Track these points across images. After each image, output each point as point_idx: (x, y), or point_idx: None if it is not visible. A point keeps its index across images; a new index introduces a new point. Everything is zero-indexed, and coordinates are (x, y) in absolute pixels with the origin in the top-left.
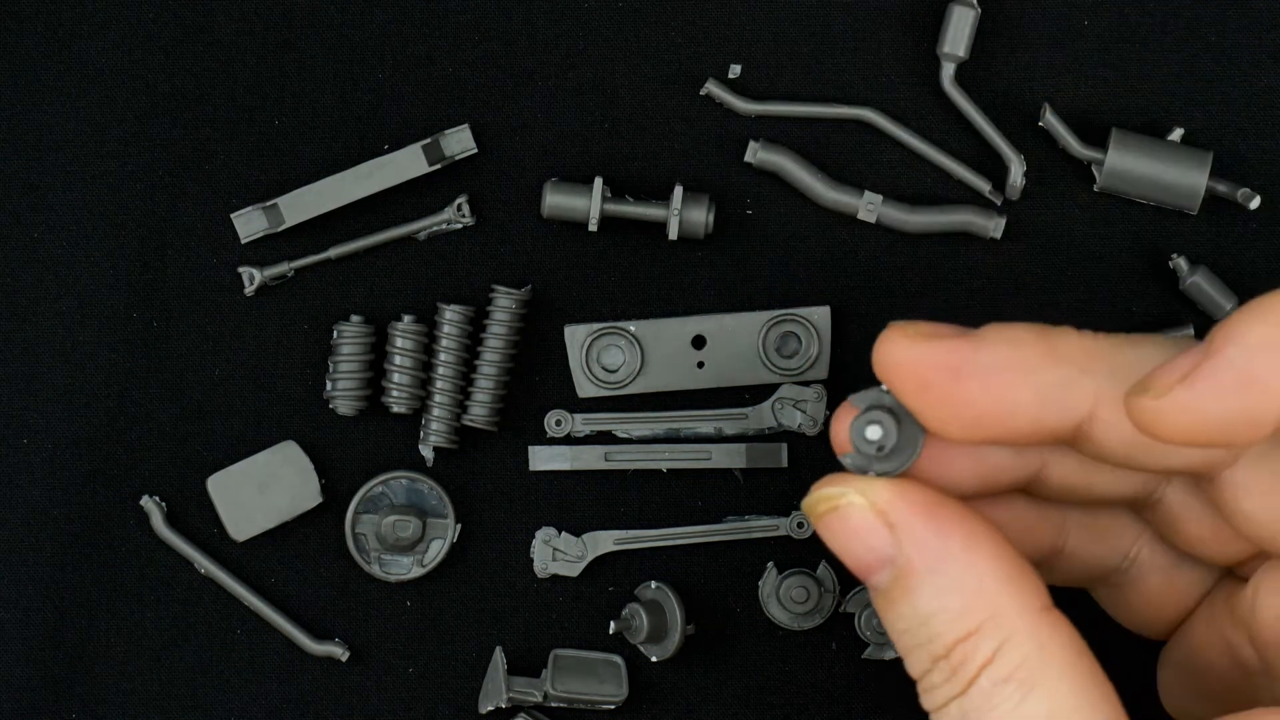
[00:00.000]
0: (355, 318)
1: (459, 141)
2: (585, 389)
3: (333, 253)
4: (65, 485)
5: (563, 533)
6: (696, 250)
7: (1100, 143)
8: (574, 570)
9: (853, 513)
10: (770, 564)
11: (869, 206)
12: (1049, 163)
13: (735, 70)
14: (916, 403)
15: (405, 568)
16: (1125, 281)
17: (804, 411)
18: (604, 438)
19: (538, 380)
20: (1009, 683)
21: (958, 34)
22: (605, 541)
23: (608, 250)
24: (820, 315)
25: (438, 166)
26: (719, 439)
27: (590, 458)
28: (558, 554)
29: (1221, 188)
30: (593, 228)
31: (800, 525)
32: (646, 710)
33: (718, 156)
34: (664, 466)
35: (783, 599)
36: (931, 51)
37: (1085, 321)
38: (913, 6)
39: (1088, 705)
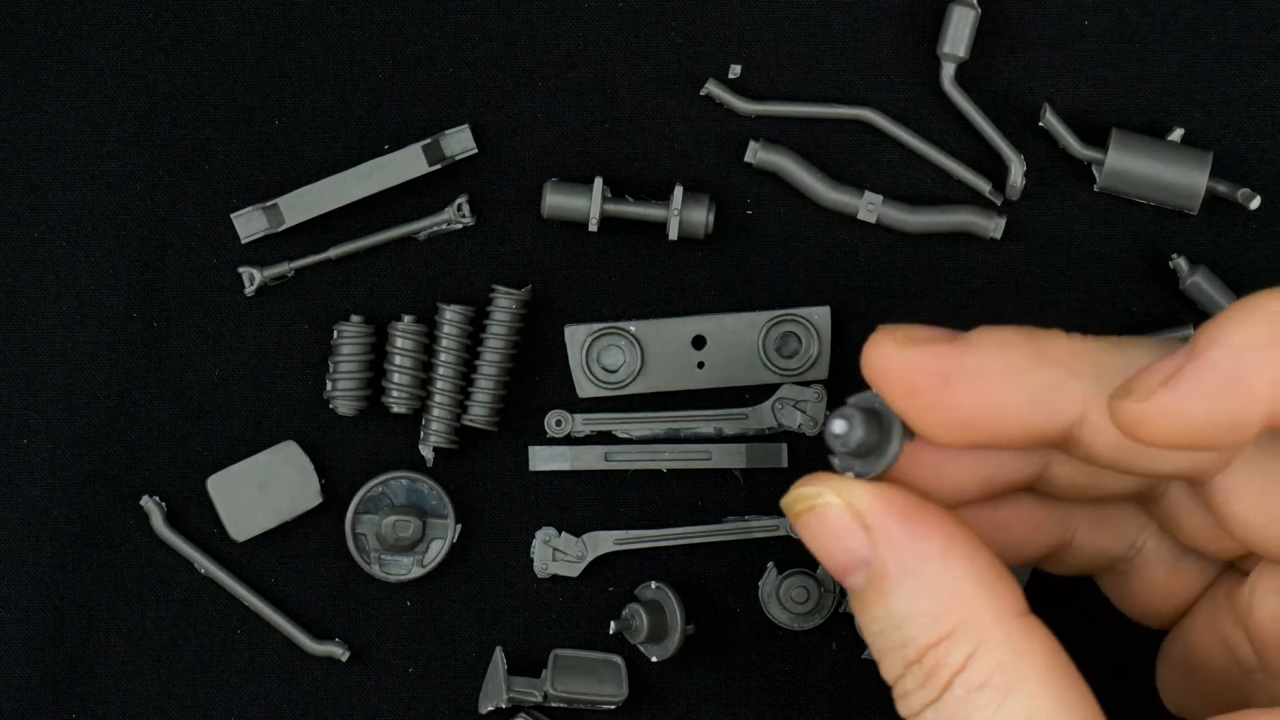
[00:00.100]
0: (355, 318)
1: (459, 141)
2: (585, 389)
3: (333, 253)
4: (65, 485)
5: (563, 533)
6: (696, 250)
7: (1100, 143)
8: (574, 570)
9: (829, 513)
10: (770, 564)
11: (869, 206)
12: (1049, 163)
13: (735, 70)
14: (905, 407)
15: (405, 568)
16: (1125, 281)
17: (804, 412)
18: (604, 438)
19: (538, 380)
20: (984, 689)
21: (958, 34)
22: (605, 541)
23: (608, 250)
24: (820, 315)
25: (438, 166)
26: (719, 439)
27: (590, 458)
28: (558, 554)
29: (1221, 188)
30: (593, 228)
31: None
32: (646, 710)
33: (718, 156)
34: (664, 466)
35: (783, 599)
36: (931, 51)
37: (1085, 321)
38: (913, 6)
39: (1065, 710)
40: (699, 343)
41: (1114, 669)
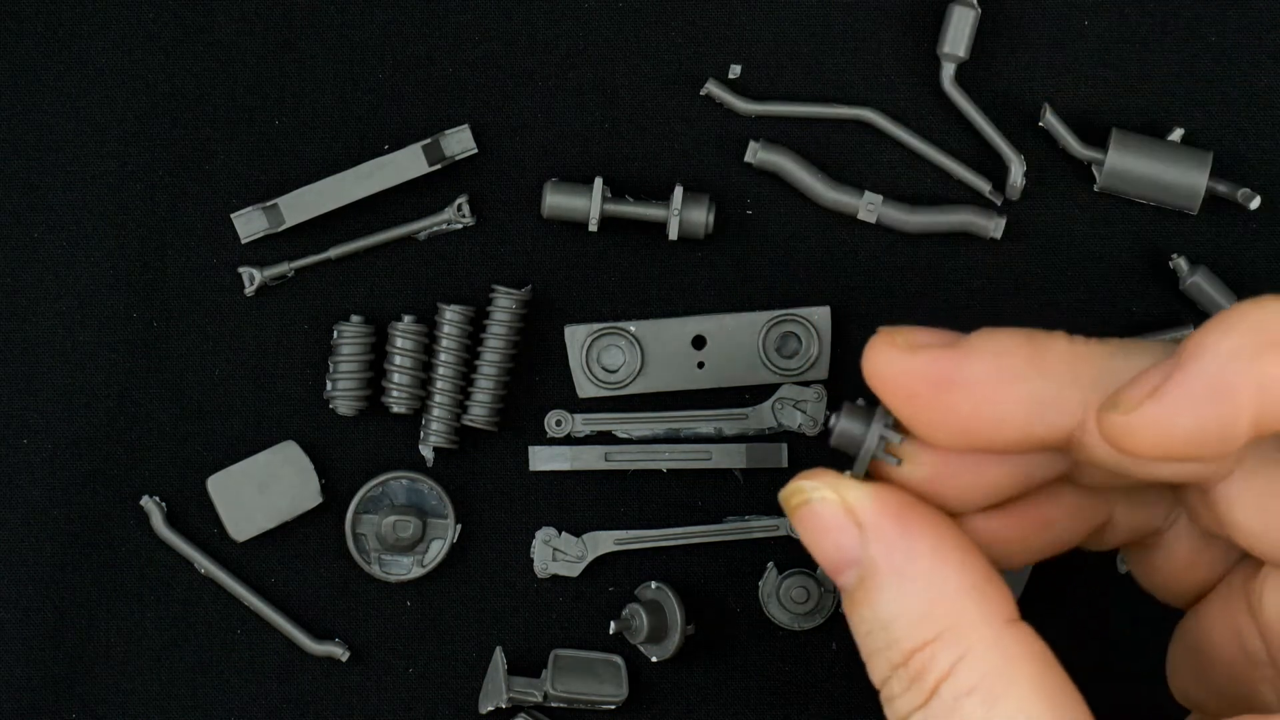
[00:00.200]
0: (355, 318)
1: (459, 141)
2: (585, 389)
3: (333, 253)
4: (65, 485)
5: (563, 533)
6: (696, 250)
7: (1100, 143)
8: (574, 570)
9: (823, 509)
10: (770, 564)
11: (869, 206)
12: (1049, 163)
13: (735, 70)
14: (904, 412)
15: (405, 568)
16: (1125, 281)
17: (804, 412)
18: (604, 438)
19: (538, 380)
20: (972, 695)
21: (958, 34)
22: (605, 541)
23: (608, 250)
24: (820, 315)
25: (438, 166)
26: (719, 439)
27: (590, 458)
28: (558, 554)
29: (1221, 188)
30: (593, 228)
31: None
32: (646, 710)
33: (718, 156)
34: (664, 466)
35: (783, 599)
36: (931, 51)
37: (1085, 321)
38: (913, 6)
39: (1056, 718)
40: (699, 343)
41: (1109, 676)
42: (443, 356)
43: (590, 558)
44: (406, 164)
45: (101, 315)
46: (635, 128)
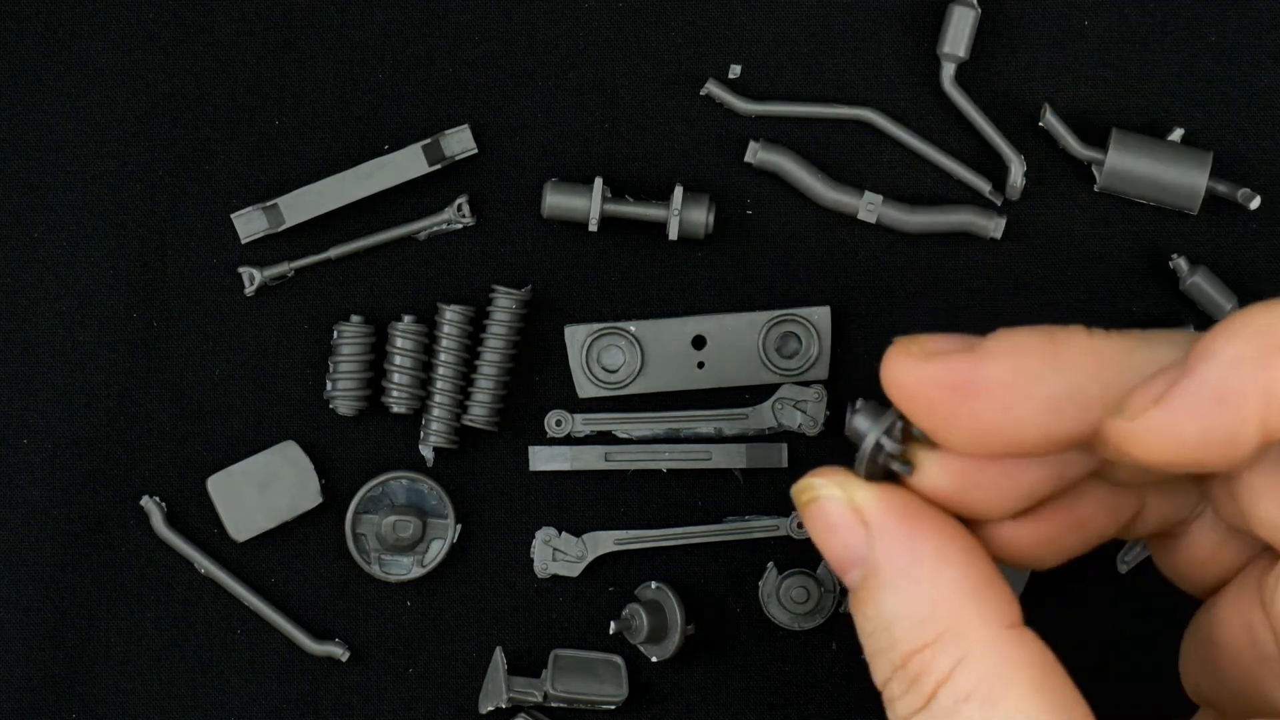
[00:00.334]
0: (355, 318)
1: (459, 141)
2: (585, 389)
3: (333, 253)
4: (65, 485)
5: (563, 533)
6: (696, 250)
7: (1100, 143)
8: (574, 570)
9: (830, 506)
10: (770, 564)
11: (869, 206)
12: (1049, 163)
13: (735, 70)
14: (925, 421)
15: (405, 568)
16: (1125, 281)
17: (804, 412)
18: (604, 438)
19: (538, 380)
20: (970, 700)
21: (958, 34)
22: (605, 541)
23: (608, 250)
24: (820, 315)
25: (438, 166)
26: (719, 439)
27: (590, 458)
28: (558, 554)
29: (1221, 188)
30: (593, 228)
31: (800, 525)
32: (646, 710)
33: (718, 156)
34: (664, 466)
35: (783, 599)
36: (931, 51)
37: (1085, 322)
38: (913, 6)
39: None
40: (699, 343)
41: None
42: (443, 356)
43: (590, 558)
44: (406, 164)
45: (101, 315)
46: (635, 128)
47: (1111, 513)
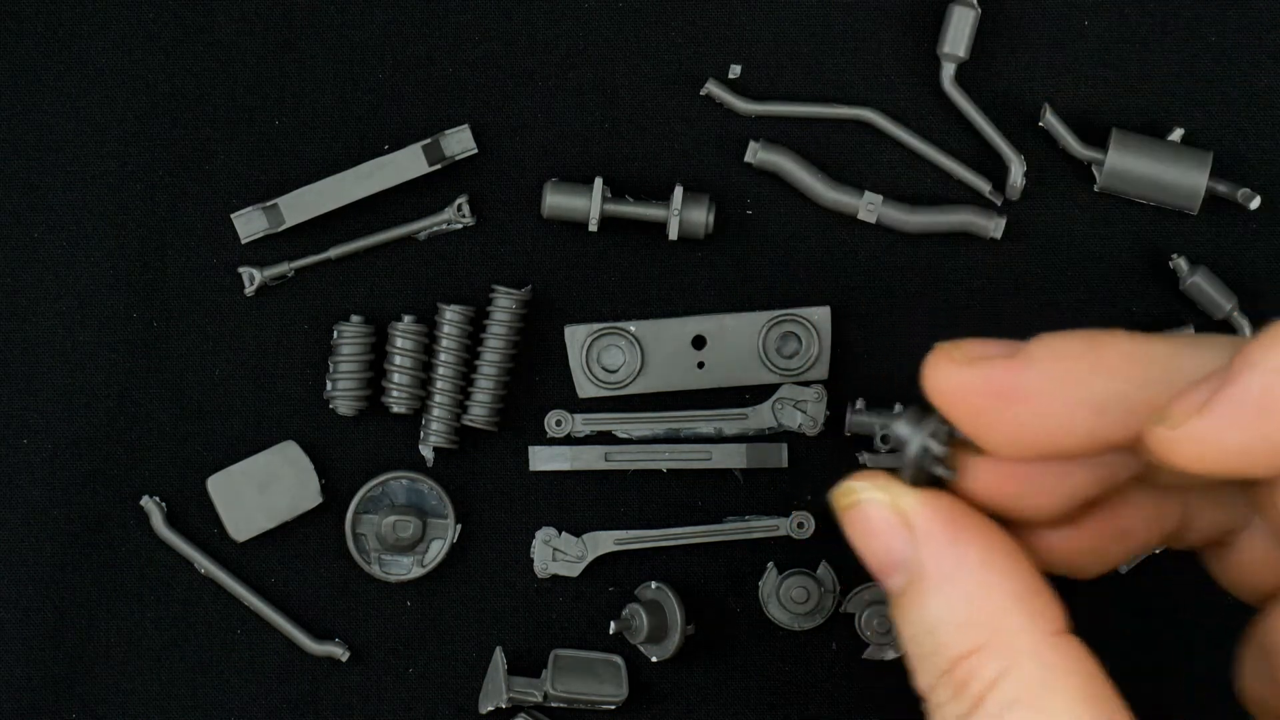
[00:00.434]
0: (355, 318)
1: (459, 141)
2: (585, 389)
3: (333, 253)
4: (65, 485)
5: (563, 533)
6: (696, 250)
7: (1100, 143)
8: (574, 570)
9: (873, 510)
10: (770, 564)
11: (869, 206)
12: (1049, 163)
13: (735, 70)
14: (969, 427)
15: (405, 568)
16: (1125, 281)
17: (804, 412)
18: (604, 438)
19: (538, 380)
20: (1017, 706)
21: (958, 34)
22: (605, 541)
23: (608, 250)
24: (820, 315)
25: (438, 166)
26: (719, 439)
27: (590, 458)
28: (558, 554)
29: (1221, 188)
30: (593, 228)
31: (800, 525)
32: (646, 710)
33: (718, 156)
34: (664, 466)
35: (783, 599)
36: (931, 51)
37: (1085, 322)
38: (913, 6)
39: None
40: (699, 343)
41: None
42: (443, 356)
43: (590, 558)
44: (406, 164)
45: (101, 315)
46: (635, 128)
47: (1155, 520)
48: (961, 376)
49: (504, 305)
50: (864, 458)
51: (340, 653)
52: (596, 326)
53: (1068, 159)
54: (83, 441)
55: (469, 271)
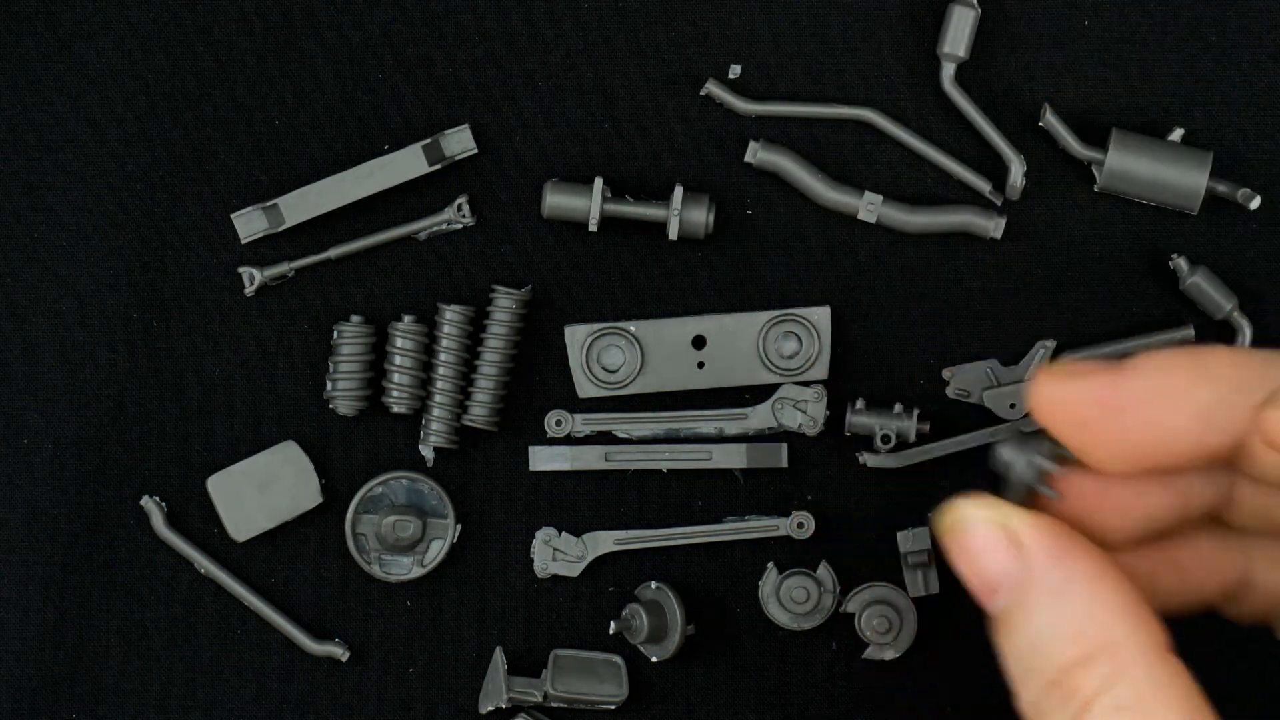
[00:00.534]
0: (355, 318)
1: (459, 141)
2: (585, 389)
3: (333, 253)
4: (65, 485)
5: (563, 533)
6: (696, 250)
7: (1100, 143)
8: (574, 570)
9: (981, 530)
10: (770, 564)
11: (869, 206)
12: (1049, 163)
13: (735, 70)
14: (1076, 440)
15: (405, 568)
16: (1125, 281)
17: (804, 411)
18: (604, 438)
19: (538, 380)
20: (1125, 712)
21: (958, 34)
22: (605, 541)
23: (608, 250)
24: (820, 315)
25: (438, 166)
26: (719, 439)
27: (590, 458)
28: (558, 554)
29: (1221, 188)
30: (593, 228)
31: (800, 525)
32: (646, 710)
33: (718, 156)
34: (664, 466)
35: (783, 599)
36: (931, 51)
37: (1085, 321)
38: (913, 6)
39: None
40: (699, 343)
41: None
42: (443, 356)
43: (590, 558)
44: (406, 164)
45: (101, 315)
46: (635, 128)
47: (1213, 565)
48: (1069, 390)
49: (504, 305)
50: (864, 458)
51: (340, 653)
52: (596, 326)
53: (1068, 159)
54: (83, 441)
55: (469, 271)
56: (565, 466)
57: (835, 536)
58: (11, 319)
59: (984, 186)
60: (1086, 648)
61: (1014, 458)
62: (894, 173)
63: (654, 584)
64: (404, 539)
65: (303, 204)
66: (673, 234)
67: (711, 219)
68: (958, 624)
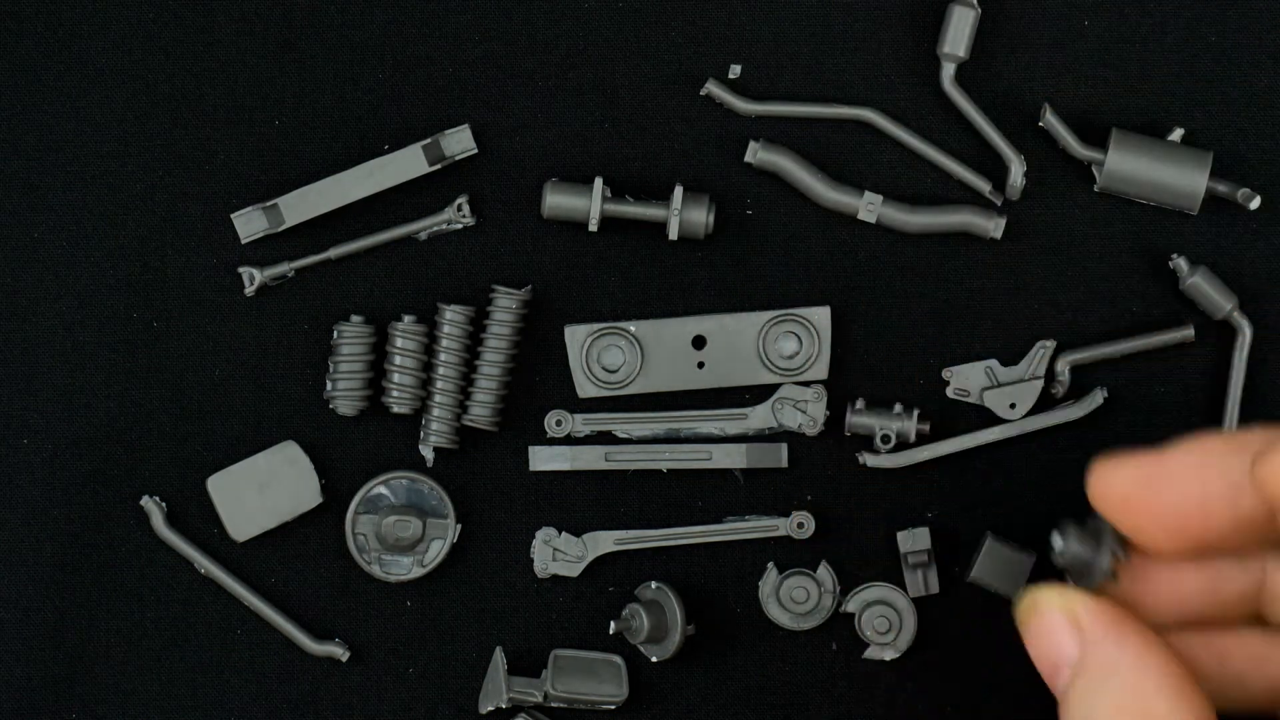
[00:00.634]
0: (355, 318)
1: (459, 141)
2: (585, 389)
3: (333, 253)
4: (65, 485)
5: (563, 533)
6: (696, 250)
7: (1100, 143)
8: (574, 570)
9: (1051, 616)
10: (770, 564)
11: (869, 206)
12: (1049, 163)
13: (735, 70)
14: (1122, 519)
15: (405, 568)
16: (1125, 281)
17: (804, 411)
18: (604, 438)
19: (538, 380)
20: None
21: (958, 34)
22: (605, 541)
23: (608, 250)
24: (820, 315)
25: (438, 166)
26: (719, 439)
27: (590, 458)
28: (558, 554)
29: (1221, 188)
30: (593, 228)
31: (800, 525)
32: (646, 710)
33: (718, 156)
34: (664, 466)
35: (783, 599)
36: (931, 51)
37: (1085, 321)
38: (913, 6)
39: None
40: (699, 343)
41: None
42: (443, 356)
43: (590, 558)
44: (406, 164)
45: (101, 315)
46: (635, 128)
47: (1259, 659)
48: (1116, 472)
49: (504, 305)
50: (864, 458)
51: (340, 653)
52: (596, 326)
53: (1068, 159)
54: (83, 441)
55: (469, 271)
56: (565, 466)
57: (835, 536)
58: (11, 319)
59: (984, 186)
60: None
61: (1081, 548)
62: (894, 173)
63: (654, 584)
64: (404, 539)
65: (303, 204)
66: (673, 234)
67: (711, 219)
68: (958, 624)
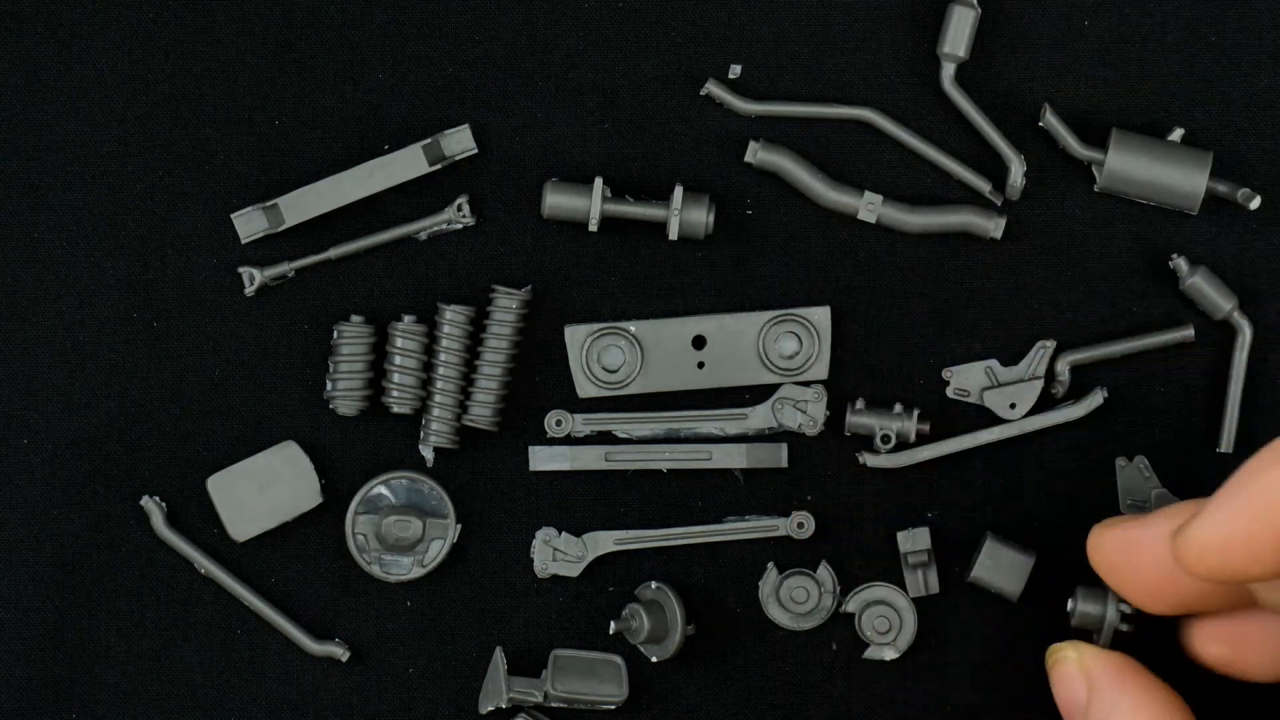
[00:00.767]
0: (355, 318)
1: (459, 141)
2: (585, 389)
3: (333, 253)
4: (65, 485)
5: (563, 533)
6: (696, 250)
7: (1100, 143)
8: (574, 570)
9: (1067, 665)
10: (770, 564)
11: (869, 206)
12: (1049, 163)
13: (735, 70)
14: (1110, 582)
15: (405, 568)
16: (1125, 281)
17: (804, 411)
18: (604, 438)
19: (538, 380)
20: None
21: (958, 34)
22: (605, 541)
23: (608, 250)
24: (820, 315)
25: (438, 166)
26: (719, 439)
27: (590, 458)
28: (558, 554)
29: (1221, 188)
30: (593, 228)
31: (800, 525)
32: (646, 710)
33: (718, 156)
34: (664, 466)
35: (783, 599)
36: (931, 51)
37: (1085, 321)
38: (913, 6)
39: None
40: (699, 343)
41: None
42: (443, 356)
43: (590, 558)
44: (406, 164)
45: (101, 315)
46: (635, 128)
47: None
48: (1100, 537)
49: (504, 305)
50: (864, 458)
51: (340, 653)
52: (596, 326)
53: (1068, 159)
54: (83, 441)
55: (469, 271)
56: (565, 466)
57: (835, 536)
58: (11, 319)
59: (984, 186)
60: None
61: (1085, 608)
62: (894, 173)
63: (654, 584)
64: (404, 539)
65: (303, 204)
66: (673, 234)
67: (711, 219)
68: (958, 624)
